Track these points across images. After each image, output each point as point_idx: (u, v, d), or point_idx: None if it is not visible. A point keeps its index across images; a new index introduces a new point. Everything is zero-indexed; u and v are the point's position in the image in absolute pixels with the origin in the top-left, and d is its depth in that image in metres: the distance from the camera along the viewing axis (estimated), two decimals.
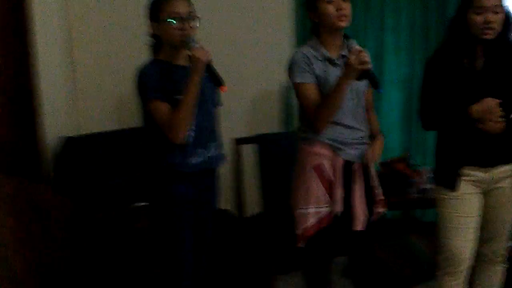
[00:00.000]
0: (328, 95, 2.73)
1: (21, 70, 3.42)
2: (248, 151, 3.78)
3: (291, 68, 2.85)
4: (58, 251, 3.02)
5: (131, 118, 3.98)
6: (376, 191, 2.97)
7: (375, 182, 2.97)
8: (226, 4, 4.08)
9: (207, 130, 2.69)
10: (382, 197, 3.01)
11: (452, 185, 2.79)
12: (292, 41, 4.27)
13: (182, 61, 2.66)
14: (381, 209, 3.00)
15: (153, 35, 2.68)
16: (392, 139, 4.39)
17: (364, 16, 4.31)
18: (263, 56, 4.18)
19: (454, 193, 2.79)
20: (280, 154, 3.69)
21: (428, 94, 2.83)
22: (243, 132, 3.99)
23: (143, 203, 3.49)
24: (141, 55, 3.94)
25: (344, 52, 2.83)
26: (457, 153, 2.79)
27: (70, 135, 3.75)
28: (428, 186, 3.87)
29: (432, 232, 4.00)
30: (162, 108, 2.53)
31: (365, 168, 2.92)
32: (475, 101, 2.67)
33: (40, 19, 3.49)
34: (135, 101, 3.96)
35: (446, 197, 2.83)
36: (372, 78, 2.68)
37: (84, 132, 3.84)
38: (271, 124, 4.21)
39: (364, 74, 2.65)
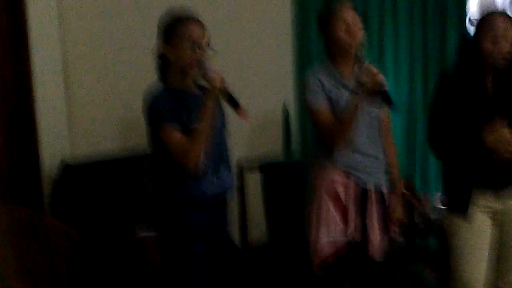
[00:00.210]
0: (342, 115, 2.74)
1: (19, 94, 3.40)
2: (252, 179, 3.73)
3: (305, 93, 2.86)
4: (61, 280, 2.95)
5: (129, 141, 3.98)
6: (392, 220, 2.96)
7: (391, 205, 2.96)
8: (226, 27, 4.04)
9: (219, 157, 2.62)
10: (394, 220, 2.99)
11: (463, 211, 2.74)
12: (292, 63, 4.27)
13: (191, 88, 2.61)
14: (393, 234, 2.99)
15: (161, 57, 2.60)
16: None
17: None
18: (264, 77, 4.17)
19: (464, 221, 2.76)
20: (285, 184, 3.65)
21: (439, 122, 2.80)
22: (242, 152, 3.93)
23: (146, 232, 3.45)
24: (140, 77, 3.93)
25: (357, 75, 2.81)
26: (467, 176, 2.75)
27: (68, 160, 3.69)
28: (433, 215, 3.86)
29: (437, 261, 4.01)
30: (175, 135, 2.46)
31: (382, 195, 2.90)
32: (482, 124, 2.63)
33: (37, 43, 3.46)
34: (132, 124, 4.01)
35: (456, 224, 2.79)
36: (387, 98, 2.68)
37: (81, 156, 3.77)
38: (272, 146, 4.17)
39: (379, 94, 2.66)
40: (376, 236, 2.86)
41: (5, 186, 3.12)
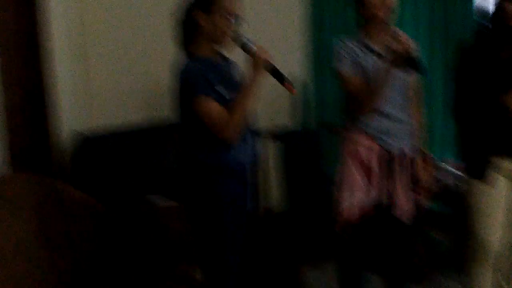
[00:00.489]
0: (372, 82, 2.78)
1: (35, 66, 3.39)
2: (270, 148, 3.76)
3: (335, 58, 2.91)
4: (85, 250, 2.97)
5: (144, 112, 3.98)
6: (420, 184, 3.00)
7: (417, 171, 3.00)
8: None
9: (250, 125, 2.61)
10: (427, 189, 3.04)
11: (483, 176, 2.79)
12: (307, 34, 4.28)
13: (216, 57, 2.59)
14: (420, 199, 3.03)
15: (190, 25, 2.54)
16: None
17: None
18: (279, 49, 4.12)
19: (484, 184, 2.80)
20: (303, 151, 3.67)
21: (461, 84, 2.83)
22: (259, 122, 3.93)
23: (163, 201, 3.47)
24: (154, 50, 3.98)
25: (388, 41, 2.83)
26: (487, 143, 2.79)
27: (85, 131, 3.71)
28: (445, 180, 3.90)
29: (447, 224, 4.08)
30: (214, 107, 2.43)
31: (408, 160, 2.95)
32: (506, 90, 2.67)
33: (53, 15, 3.45)
34: (149, 96, 4.01)
35: (476, 188, 2.83)
36: (417, 64, 2.71)
37: (97, 127, 3.77)
38: (286, 116, 4.18)
39: (408, 61, 2.69)
40: (402, 199, 2.92)
41: (22, 158, 3.10)
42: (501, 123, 2.72)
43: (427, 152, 3.09)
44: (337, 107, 4.25)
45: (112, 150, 3.63)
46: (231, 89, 2.53)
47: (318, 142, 3.70)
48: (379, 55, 2.85)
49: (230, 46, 2.55)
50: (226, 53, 2.64)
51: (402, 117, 2.93)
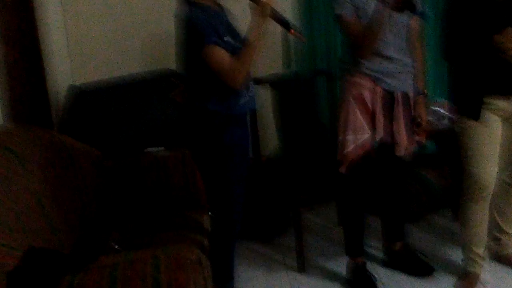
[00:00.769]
0: (369, 24, 2.81)
1: (27, 24, 3.37)
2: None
3: (336, 3, 2.93)
4: (89, 199, 3.00)
5: (125, 67, 4.00)
6: (417, 121, 3.09)
7: (418, 112, 3.10)
8: None
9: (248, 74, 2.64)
10: (423, 128, 3.13)
11: (476, 115, 2.86)
12: None
13: (215, 5, 2.62)
14: (420, 138, 3.12)
15: None
16: None
17: None
18: None
19: (477, 123, 2.87)
20: (293, 93, 3.71)
21: (452, 28, 2.86)
22: None
23: (158, 149, 3.52)
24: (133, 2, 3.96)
25: None
26: (479, 83, 2.84)
27: (81, 85, 3.71)
28: (430, 118, 3.95)
29: (435, 163, 4.17)
30: (221, 54, 2.47)
31: (407, 98, 3.02)
32: (498, 31, 2.71)
33: None
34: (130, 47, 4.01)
35: (469, 126, 2.90)
36: (411, 4, 2.76)
37: (93, 81, 3.77)
38: (272, 65, 4.19)
39: (406, 3, 2.73)
40: (403, 138, 3.01)
41: (20, 112, 3.12)
42: (493, 63, 2.77)
43: (427, 94, 3.16)
44: (328, 54, 4.28)
45: (106, 102, 3.63)
46: (233, 37, 2.58)
47: (312, 89, 3.73)
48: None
49: None
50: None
51: (404, 60, 2.98)
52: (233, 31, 2.63)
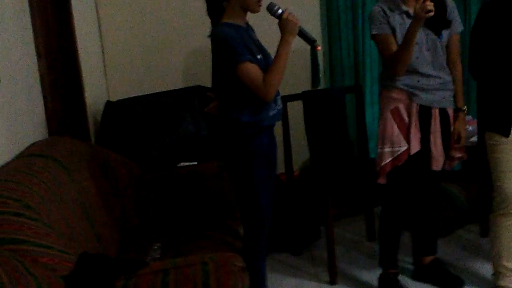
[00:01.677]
0: (402, 42, 2.92)
1: (67, 43, 3.51)
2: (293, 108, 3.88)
3: (369, 22, 3.07)
4: (130, 208, 3.12)
5: (158, 84, 4.12)
6: (456, 137, 3.18)
7: (457, 129, 3.19)
8: None
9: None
10: (462, 144, 3.22)
11: (507, 131, 2.91)
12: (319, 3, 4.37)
13: (244, 24, 2.76)
14: (459, 155, 3.22)
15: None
16: None
17: None
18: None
19: (506, 139, 2.92)
20: (324, 109, 3.80)
21: (481, 46, 2.93)
22: None
23: (191, 163, 3.62)
24: (169, 20, 4.09)
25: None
26: (509, 100, 2.90)
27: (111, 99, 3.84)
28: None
29: (462, 179, 4.22)
30: (254, 70, 2.62)
31: (445, 114, 3.12)
32: None
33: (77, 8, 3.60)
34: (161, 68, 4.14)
35: (498, 143, 2.95)
36: (434, 25, 2.88)
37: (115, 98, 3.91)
38: (301, 83, 4.29)
39: (428, 20, 2.81)
40: (439, 152, 3.11)
41: (58, 127, 3.23)
42: None
43: (464, 108, 3.23)
44: (357, 71, 4.37)
45: (141, 118, 3.75)
46: (263, 54, 2.75)
47: (342, 105, 3.83)
48: (409, 15, 2.98)
49: (258, 11, 2.71)
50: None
51: (442, 76, 3.07)
52: (262, 49, 2.80)
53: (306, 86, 4.19)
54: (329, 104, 3.82)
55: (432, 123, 3.08)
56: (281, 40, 2.65)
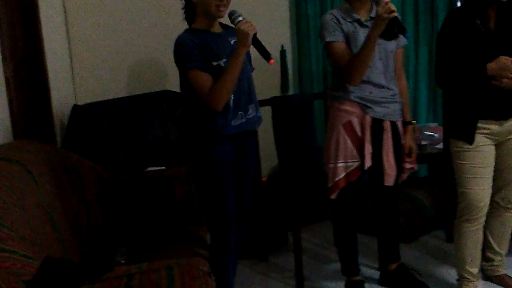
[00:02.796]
0: (360, 49, 2.88)
1: (33, 44, 3.46)
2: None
3: (321, 30, 3.01)
4: (96, 211, 3.09)
5: (126, 88, 4.10)
6: (407, 151, 3.19)
7: (408, 142, 3.20)
8: None
9: (245, 93, 2.75)
10: (414, 157, 3.23)
11: (470, 138, 2.97)
12: (289, 4, 4.38)
13: (215, 29, 2.74)
14: (410, 166, 3.21)
15: (189, 3, 2.72)
16: None
17: None
18: (261, 19, 4.24)
19: (470, 146, 2.98)
20: (293, 115, 3.81)
21: (445, 54, 2.99)
22: None
23: (159, 168, 3.60)
24: (138, 24, 4.09)
25: (373, 14, 2.97)
26: (473, 108, 2.96)
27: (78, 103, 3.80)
28: (424, 142, 4.07)
29: (427, 186, 4.28)
30: (202, 77, 2.60)
31: (396, 126, 3.11)
32: (489, 60, 2.84)
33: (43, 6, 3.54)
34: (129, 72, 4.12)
35: (463, 149, 3.01)
36: (399, 24, 2.84)
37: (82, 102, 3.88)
38: (271, 89, 4.31)
39: (391, 22, 2.79)
40: (391, 168, 3.09)
41: (24, 130, 3.19)
42: (486, 89, 2.89)
43: (411, 120, 3.27)
44: (325, 78, 4.40)
45: (108, 122, 3.72)
46: (227, 57, 2.66)
47: (310, 112, 3.84)
48: (365, 26, 2.98)
49: (221, 16, 2.69)
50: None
51: (391, 88, 3.08)
52: (228, 52, 2.69)
53: (275, 91, 4.26)
54: (298, 110, 3.83)
55: (384, 137, 3.07)
56: (236, 48, 2.60)
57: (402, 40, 3.11)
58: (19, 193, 2.33)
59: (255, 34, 2.57)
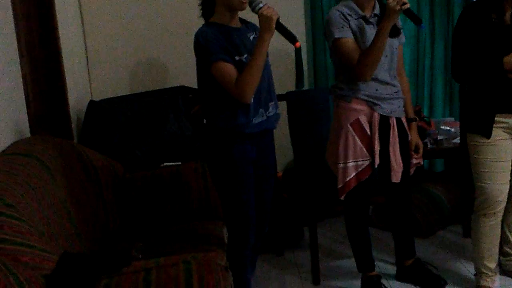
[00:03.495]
0: (372, 44, 2.86)
1: (50, 42, 3.49)
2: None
3: (328, 26, 2.98)
4: (112, 208, 3.10)
5: (141, 84, 4.12)
6: (414, 148, 3.20)
7: (414, 139, 3.20)
8: None
9: (265, 90, 2.71)
10: (421, 153, 3.23)
11: (487, 132, 2.95)
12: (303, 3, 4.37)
13: (235, 24, 2.70)
14: (416, 161, 3.22)
15: None
16: None
17: None
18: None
19: (488, 140, 2.96)
20: (309, 110, 3.80)
21: (461, 48, 2.97)
22: None
23: (174, 164, 3.60)
24: (153, 20, 4.10)
25: (377, 11, 2.98)
26: (490, 102, 2.94)
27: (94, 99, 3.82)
28: (441, 137, 4.05)
29: (444, 181, 4.25)
30: (228, 69, 2.54)
31: (401, 123, 3.11)
32: (505, 53, 2.82)
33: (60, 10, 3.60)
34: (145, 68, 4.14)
35: (480, 144, 2.99)
36: (414, 16, 2.81)
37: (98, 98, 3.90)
38: (286, 84, 4.30)
39: (406, 14, 2.77)
40: (399, 165, 3.08)
41: (41, 127, 3.21)
42: (503, 82, 2.87)
43: (414, 116, 3.27)
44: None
45: (124, 118, 3.74)
46: (247, 53, 2.64)
47: (325, 106, 3.83)
48: (369, 22, 2.97)
49: (243, 9, 2.62)
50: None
51: (395, 84, 3.07)
52: (248, 48, 2.67)
53: (290, 86, 4.24)
54: (313, 105, 3.82)
55: (391, 134, 3.05)
56: (258, 35, 2.55)
57: (402, 37, 3.12)
58: (37, 188, 2.35)
59: (278, 19, 2.53)
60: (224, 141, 2.68)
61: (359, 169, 3.03)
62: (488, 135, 2.95)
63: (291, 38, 2.57)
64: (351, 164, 3.02)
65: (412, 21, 2.84)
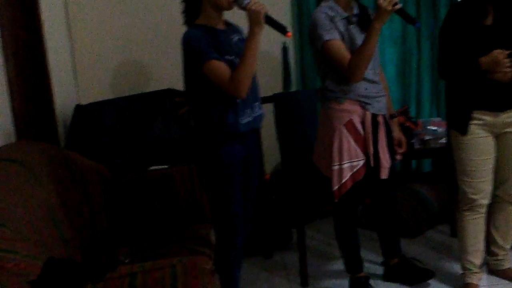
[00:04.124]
0: (363, 44, 2.86)
1: (35, 45, 3.48)
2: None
3: (316, 29, 2.96)
4: (98, 212, 3.09)
5: (128, 87, 4.11)
6: (397, 143, 3.24)
7: (397, 135, 3.23)
8: None
9: (251, 90, 2.69)
10: (405, 148, 3.26)
11: (463, 129, 2.98)
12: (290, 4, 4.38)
13: (221, 26, 2.70)
14: (400, 156, 3.27)
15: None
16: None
17: None
18: None
19: (466, 137, 2.99)
20: (296, 112, 3.80)
21: (445, 47, 3.01)
22: None
23: (162, 167, 3.60)
24: (139, 23, 4.10)
25: (355, 11, 3.00)
26: (467, 99, 2.98)
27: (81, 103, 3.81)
28: (428, 137, 4.06)
29: (432, 181, 4.27)
30: (222, 66, 2.54)
31: (385, 119, 3.13)
32: (483, 54, 2.85)
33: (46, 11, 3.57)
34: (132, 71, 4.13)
35: (459, 141, 3.03)
36: (407, 15, 2.82)
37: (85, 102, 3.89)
38: (274, 86, 4.30)
39: (400, 14, 2.78)
40: (386, 158, 3.09)
41: (26, 131, 3.19)
42: (480, 81, 2.91)
43: (394, 112, 3.31)
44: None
45: (111, 122, 3.72)
46: (233, 54, 2.64)
47: (312, 108, 3.84)
48: (349, 21, 2.98)
49: (231, 8, 2.62)
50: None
51: (377, 80, 3.08)
52: (233, 49, 2.68)
53: (277, 88, 4.26)
54: (301, 106, 3.82)
55: (380, 131, 3.06)
56: (248, 31, 2.54)
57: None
58: (22, 193, 2.34)
59: (266, 13, 2.52)
60: (213, 141, 2.68)
61: (354, 170, 3.03)
62: (463, 131, 2.98)
63: (281, 29, 2.54)
64: (346, 165, 3.02)
65: (406, 21, 2.86)
